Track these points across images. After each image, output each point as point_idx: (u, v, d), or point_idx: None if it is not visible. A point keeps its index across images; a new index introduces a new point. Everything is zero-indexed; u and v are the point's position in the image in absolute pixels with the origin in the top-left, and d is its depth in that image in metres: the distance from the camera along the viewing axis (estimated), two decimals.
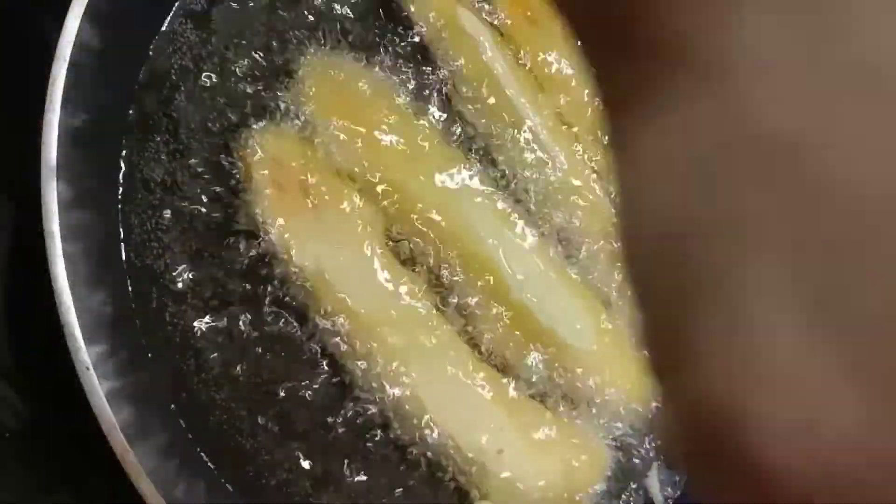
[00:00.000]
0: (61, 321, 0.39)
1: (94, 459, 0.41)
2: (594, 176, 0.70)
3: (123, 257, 0.48)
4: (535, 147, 0.65)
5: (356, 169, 0.57)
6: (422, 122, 0.61)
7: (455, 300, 0.58)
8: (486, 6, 0.66)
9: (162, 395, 0.47)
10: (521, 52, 0.68)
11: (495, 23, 0.67)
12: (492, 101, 0.63)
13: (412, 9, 0.62)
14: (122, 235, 0.48)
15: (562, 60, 0.70)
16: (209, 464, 0.47)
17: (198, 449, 0.47)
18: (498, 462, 0.54)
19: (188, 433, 0.47)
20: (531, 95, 0.66)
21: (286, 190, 0.53)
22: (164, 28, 0.53)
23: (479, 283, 0.59)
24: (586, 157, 0.70)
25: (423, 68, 0.61)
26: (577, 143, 0.69)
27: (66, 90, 0.42)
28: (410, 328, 0.55)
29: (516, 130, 0.64)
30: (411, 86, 0.61)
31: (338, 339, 0.53)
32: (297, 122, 0.56)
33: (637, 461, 0.64)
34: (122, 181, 0.50)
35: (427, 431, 0.53)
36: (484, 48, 0.64)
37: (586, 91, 0.71)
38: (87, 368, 0.39)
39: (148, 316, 0.48)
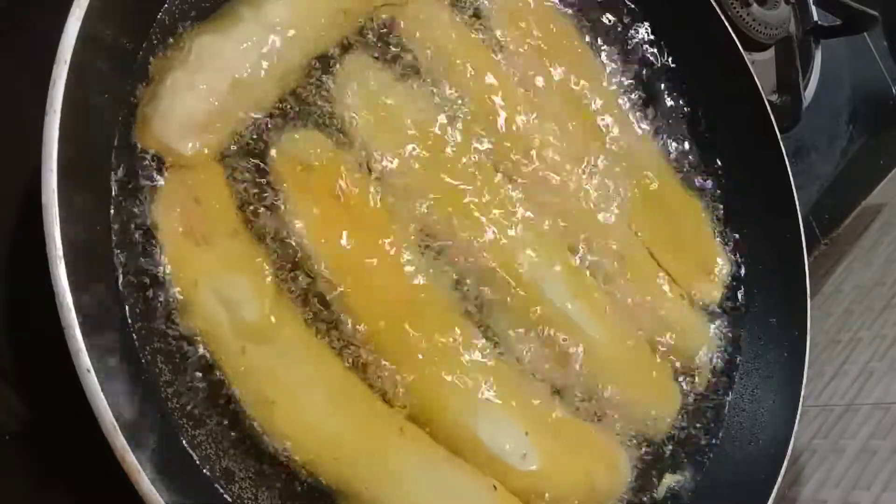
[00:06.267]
0: (62, 322, 0.39)
1: (95, 460, 0.41)
2: (613, 197, 0.70)
3: (125, 258, 0.48)
4: (545, 167, 0.66)
5: (387, 173, 0.57)
6: (449, 133, 0.61)
7: (479, 303, 0.59)
8: (483, 29, 0.67)
9: (162, 396, 0.47)
10: (527, 70, 0.68)
11: (499, 42, 0.68)
12: (491, 119, 0.64)
13: (416, 35, 0.62)
14: (123, 236, 0.48)
15: (570, 77, 0.70)
16: (203, 467, 0.47)
17: (196, 451, 0.47)
18: (522, 465, 0.54)
19: (186, 435, 0.47)
20: (531, 114, 0.67)
21: (316, 192, 0.53)
22: (167, 27, 0.53)
23: (506, 290, 0.59)
24: (594, 171, 0.70)
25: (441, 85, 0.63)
26: (589, 162, 0.70)
27: (67, 92, 0.42)
28: (437, 331, 0.55)
29: (521, 149, 0.65)
30: (436, 99, 0.62)
31: (363, 341, 0.53)
32: (328, 125, 0.56)
33: (652, 467, 0.64)
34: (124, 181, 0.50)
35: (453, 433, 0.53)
36: (482, 71, 0.64)
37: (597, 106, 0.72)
38: (88, 370, 0.39)
39: (149, 317, 0.48)
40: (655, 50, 0.81)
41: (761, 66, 0.99)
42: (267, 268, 0.51)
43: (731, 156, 0.80)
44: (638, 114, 0.77)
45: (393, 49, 0.62)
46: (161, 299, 0.48)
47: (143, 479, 0.39)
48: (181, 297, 0.48)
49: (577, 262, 0.65)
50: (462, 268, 0.59)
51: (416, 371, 0.53)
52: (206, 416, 0.47)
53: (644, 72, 0.79)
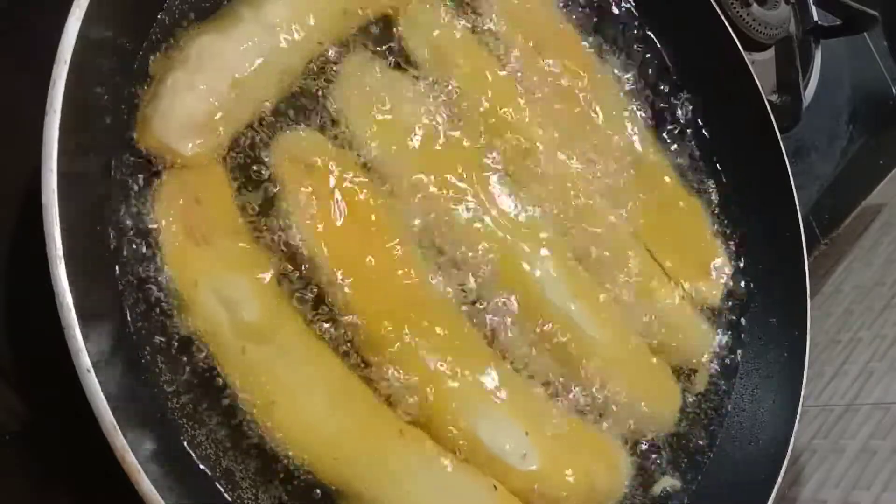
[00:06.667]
0: (62, 322, 0.39)
1: (95, 460, 0.41)
2: (613, 197, 0.70)
3: (125, 258, 0.48)
4: (545, 166, 0.66)
5: (387, 173, 0.57)
6: (449, 132, 0.61)
7: (480, 303, 0.59)
8: (483, 29, 0.67)
9: (162, 396, 0.47)
10: (527, 70, 0.68)
11: (499, 41, 0.68)
12: (491, 120, 0.64)
13: (416, 35, 0.62)
14: (123, 236, 0.48)
15: (570, 77, 0.71)
16: (203, 467, 0.47)
17: (196, 451, 0.47)
18: (522, 465, 0.54)
19: (186, 435, 0.47)
20: (531, 114, 0.67)
21: (316, 191, 0.53)
22: (167, 27, 0.53)
23: (506, 290, 0.59)
24: (595, 171, 0.70)
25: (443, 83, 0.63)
26: (589, 162, 0.69)
27: (67, 92, 0.42)
28: (437, 331, 0.55)
29: (521, 149, 0.65)
30: (436, 99, 0.62)
31: (363, 341, 0.53)
32: (328, 125, 0.57)
33: (651, 468, 0.64)
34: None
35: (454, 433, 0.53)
36: (482, 71, 0.64)
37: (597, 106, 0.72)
38: (88, 370, 0.39)
39: (149, 317, 0.48)
40: (655, 50, 0.81)
41: (761, 66, 0.99)
42: (267, 268, 0.51)
43: (731, 156, 0.80)
44: (638, 114, 0.77)
45: (392, 49, 0.62)
46: (161, 299, 0.48)
47: (143, 479, 0.39)
48: (181, 297, 0.48)
49: (578, 262, 0.65)
50: (462, 267, 0.59)
51: (416, 371, 0.53)
52: (206, 416, 0.47)
53: (643, 72, 0.79)
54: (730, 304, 0.76)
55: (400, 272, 0.55)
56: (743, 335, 0.76)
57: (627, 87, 0.77)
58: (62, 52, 0.42)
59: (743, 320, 0.76)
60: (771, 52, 1.01)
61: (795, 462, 0.91)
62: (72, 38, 0.43)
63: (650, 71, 0.80)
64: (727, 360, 0.74)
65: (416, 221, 0.58)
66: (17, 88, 0.51)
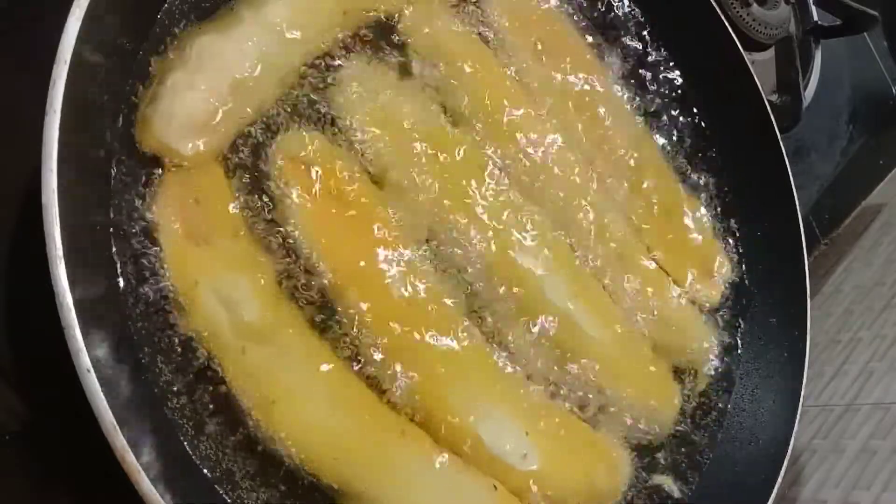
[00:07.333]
0: (62, 322, 0.39)
1: (95, 460, 0.41)
2: (613, 197, 0.70)
3: (125, 259, 0.48)
4: (545, 166, 0.66)
5: (387, 173, 0.57)
6: (449, 132, 0.61)
7: (480, 303, 0.59)
8: (483, 29, 0.67)
9: (162, 396, 0.47)
10: (526, 70, 0.68)
11: (499, 41, 0.68)
12: (492, 119, 0.64)
13: (416, 35, 0.62)
14: (123, 237, 0.48)
15: (570, 77, 0.71)
16: (203, 468, 0.47)
17: (196, 451, 0.47)
18: (522, 465, 0.54)
19: (186, 435, 0.47)
20: (531, 114, 0.67)
21: (316, 192, 0.53)
22: (166, 27, 0.53)
23: (506, 290, 0.59)
24: (594, 170, 0.70)
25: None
26: (589, 162, 0.69)
27: (67, 92, 0.42)
28: (438, 331, 0.55)
29: (521, 149, 0.65)
30: (436, 99, 0.62)
31: (364, 341, 0.53)
32: (328, 125, 0.57)
33: (651, 468, 0.64)
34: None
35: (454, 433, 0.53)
36: (481, 71, 0.64)
37: (597, 106, 0.72)
38: (88, 370, 0.39)
39: (149, 317, 0.48)
40: (655, 50, 0.81)
41: (761, 66, 0.99)
42: (267, 268, 0.51)
43: (732, 156, 0.80)
44: (638, 114, 0.77)
45: (393, 49, 0.62)
46: (161, 299, 0.48)
47: (143, 479, 0.39)
48: (181, 298, 0.48)
49: (578, 262, 0.65)
50: (462, 268, 0.59)
51: (416, 371, 0.53)
52: (207, 417, 0.47)
53: (644, 72, 0.79)
54: (730, 304, 0.76)
55: (399, 272, 0.55)
56: (743, 335, 0.76)
57: (627, 86, 0.77)
58: (62, 52, 0.42)
59: (743, 320, 0.76)
60: (771, 52, 1.01)
61: (795, 462, 0.91)
62: (72, 38, 0.43)
63: (650, 71, 0.80)
64: (727, 360, 0.74)
65: (416, 221, 0.58)
66: (17, 88, 0.51)
